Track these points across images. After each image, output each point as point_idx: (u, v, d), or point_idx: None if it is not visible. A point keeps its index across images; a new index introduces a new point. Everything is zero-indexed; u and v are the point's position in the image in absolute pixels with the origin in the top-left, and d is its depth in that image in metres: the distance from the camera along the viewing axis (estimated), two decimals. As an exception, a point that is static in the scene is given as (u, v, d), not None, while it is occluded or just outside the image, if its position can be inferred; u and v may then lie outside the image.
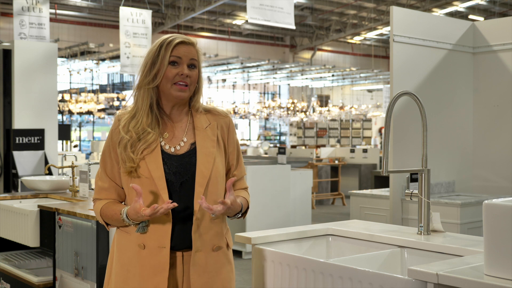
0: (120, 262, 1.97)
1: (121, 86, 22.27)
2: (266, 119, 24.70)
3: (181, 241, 1.94)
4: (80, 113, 17.81)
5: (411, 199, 2.42)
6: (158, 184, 1.91)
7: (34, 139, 6.10)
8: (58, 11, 17.28)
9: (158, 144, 1.96)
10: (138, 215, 1.87)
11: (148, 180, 1.92)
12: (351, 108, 22.38)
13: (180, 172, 1.95)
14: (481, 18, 18.47)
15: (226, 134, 2.06)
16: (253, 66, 19.80)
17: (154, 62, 1.96)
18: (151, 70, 1.96)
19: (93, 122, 21.44)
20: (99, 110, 17.89)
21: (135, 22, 10.93)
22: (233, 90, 24.97)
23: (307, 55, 24.42)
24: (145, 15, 11.09)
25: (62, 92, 18.46)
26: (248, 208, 2.08)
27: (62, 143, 14.47)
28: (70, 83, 20.34)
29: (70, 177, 4.45)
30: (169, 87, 1.96)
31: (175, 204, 1.84)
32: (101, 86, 20.87)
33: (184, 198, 1.94)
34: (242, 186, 2.12)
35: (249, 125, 26.19)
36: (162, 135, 2.00)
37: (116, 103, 18.03)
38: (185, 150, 1.98)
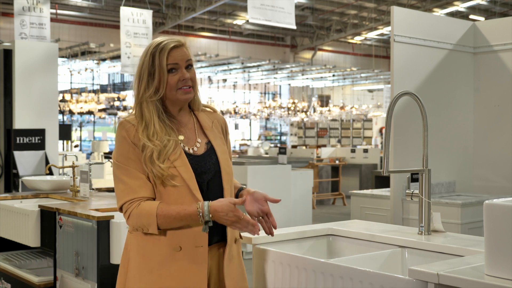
0: (147, 268, 1.92)
1: (122, 86, 22.28)
2: (267, 119, 24.71)
3: (211, 237, 1.96)
4: (81, 113, 17.82)
5: (411, 199, 2.42)
6: (191, 185, 1.92)
7: (35, 139, 6.10)
8: (59, 11, 17.28)
9: (180, 147, 1.96)
10: (233, 213, 1.85)
11: (180, 184, 1.91)
12: (351, 108, 22.39)
13: (205, 171, 1.98)
14: (482, 18, 18.46)
15: (224, 132, 2.12)
16: (253, 66, 19.81)
17: (151, 72, 1.94)
18: (149, 82, 1.94)
19: (94, 122, 21.48)
20: (99, 110, 17.90)
21: (135, 22, 10.93)
22: (234, 90, 24.97)
23: (307, 55, 24.42)
24: (146, 15, 11.09)
25: (63, 92, 18.46)
26: None
27: (63, 143, 14.46)
28: (71, 83, 20.35)
29: (71, 177, 4.45)
30: (174, 93, 1.96)
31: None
32: (101, 86, 20.88)
33: (212, 196, 1.96)
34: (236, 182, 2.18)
35: (250, 125, 26.20)
36: (178, 137, 2.01)
37: (116, 103, 18.05)
38: (203, 150, 2.01)
